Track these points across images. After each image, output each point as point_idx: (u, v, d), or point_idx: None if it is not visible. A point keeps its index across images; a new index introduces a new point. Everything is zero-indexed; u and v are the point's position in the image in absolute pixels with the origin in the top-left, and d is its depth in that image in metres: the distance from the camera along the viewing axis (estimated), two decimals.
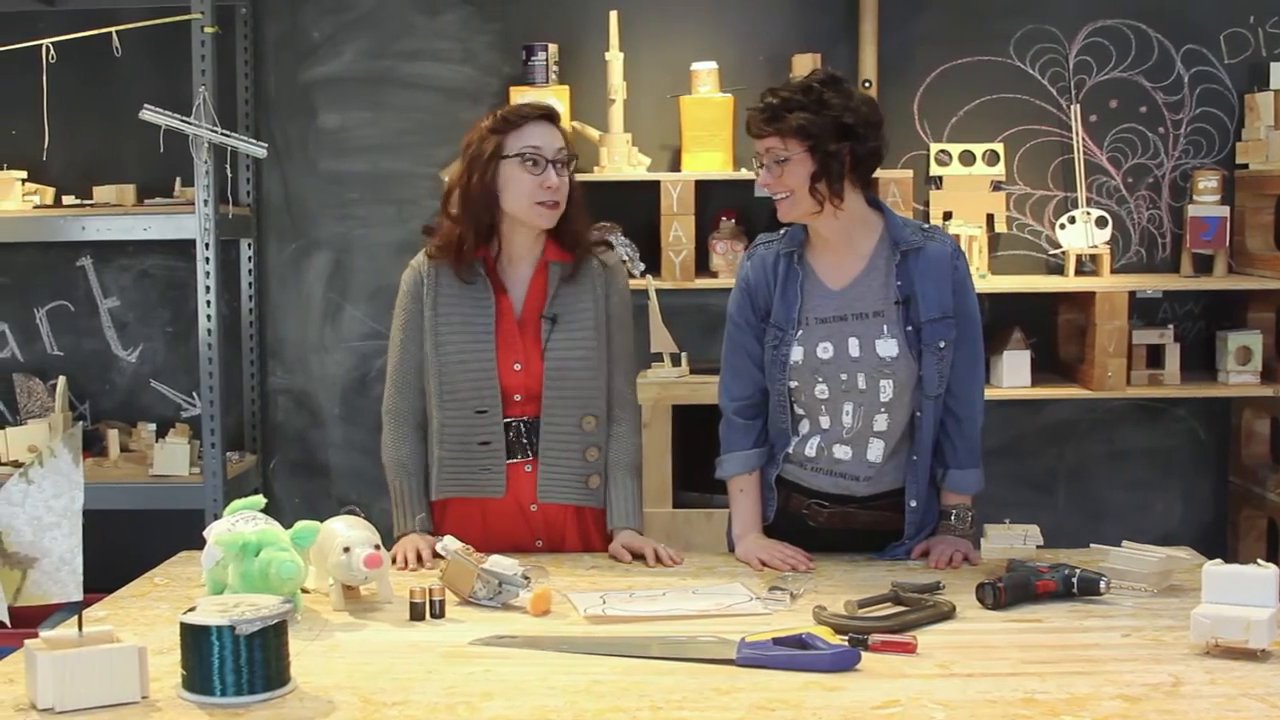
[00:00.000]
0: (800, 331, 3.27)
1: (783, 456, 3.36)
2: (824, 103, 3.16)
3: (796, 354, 3.27)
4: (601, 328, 3.40)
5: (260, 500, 3.01)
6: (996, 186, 5.26)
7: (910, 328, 3.24)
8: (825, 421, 3.30)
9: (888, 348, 3.23)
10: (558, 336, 3.36)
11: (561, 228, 3.37)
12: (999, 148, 5.27)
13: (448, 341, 3.36)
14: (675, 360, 4.90)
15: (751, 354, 3.37)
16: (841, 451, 3.30)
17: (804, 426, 3.33)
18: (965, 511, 3.33)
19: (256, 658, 2.32)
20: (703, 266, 5.12)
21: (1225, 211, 5.10)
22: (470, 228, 3.33)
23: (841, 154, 3.16)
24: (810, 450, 3.32)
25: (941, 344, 3.25)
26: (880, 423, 3.27)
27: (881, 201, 3.35)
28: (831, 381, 3.26)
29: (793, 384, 3.30)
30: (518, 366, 3.35)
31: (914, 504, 3.32)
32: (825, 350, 3.25)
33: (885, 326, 3.25)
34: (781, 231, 3.38)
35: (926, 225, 3.39)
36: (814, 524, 3.36)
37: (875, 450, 3.29)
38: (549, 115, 3.37)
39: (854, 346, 3.24)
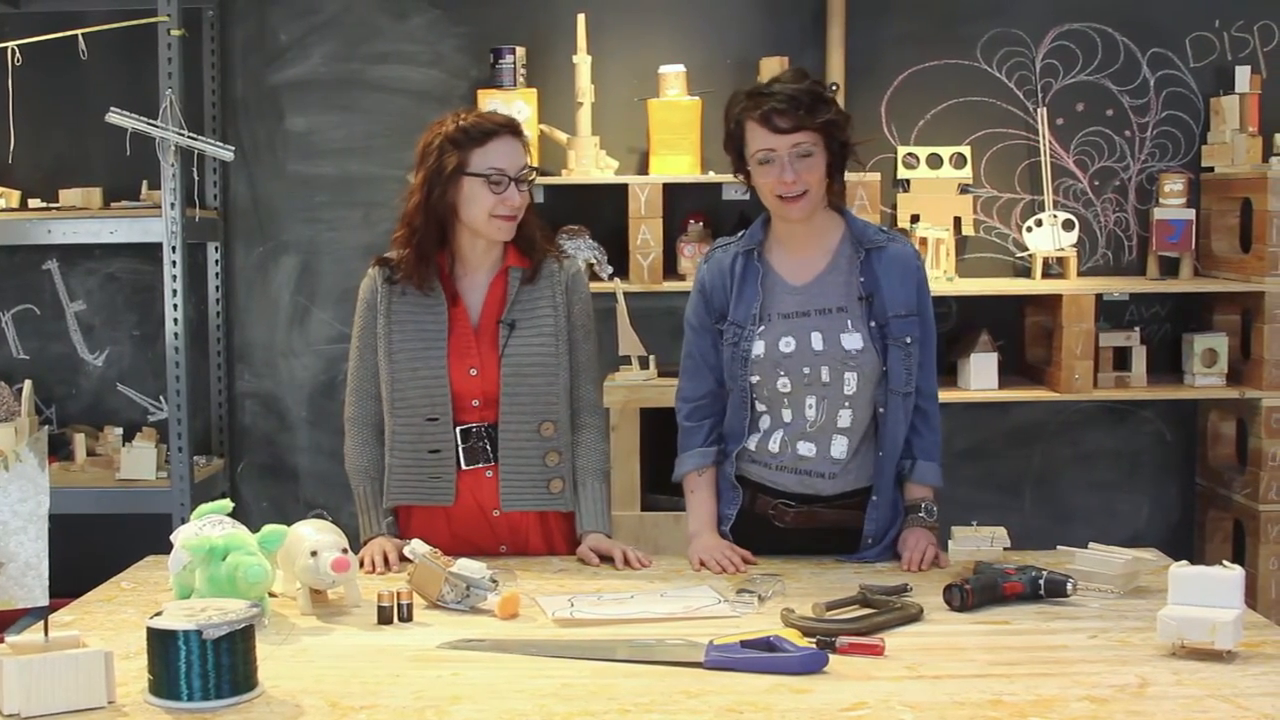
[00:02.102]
0: (762, 327, 3.28)
1: (738, 454, 3.37)
2: (830, 98, 3.25)
3: (758, 348, 3.28)
4: (563, 335, 3.39)
5: (227, 504, 3.00)
6: (964, 189, 5.28)
7: (873, 323, 3.26)
8: (787, 415, 3.31)
9: (853, 341, 3.25)
10: (515, 342, 3.34)
11: (518, 233, 3.36)
12: (966, 151, 5.29)
13: (400, 349, 3.35)
14: (643, 363, 4.89)
15: (705, 357, 3.39)
16: (806, 449, 3.30)
17: (764, 422, 3.34)
18: (931, 505, 3.34)
19: (223, 662, 2.31)
20: (670, 269, 5.12)
21: (1191, 214, 5.13)
22: (430, 237, 3.32)
23: (848, 149, 3.26)
24: (774, 445, 3.32)
25: (908, 339, 3.27)
26: (844, 418, 3.28)
27: (841, 204, 3.38)
28: (794, 375, 3.26)
29: (754, 379, 3.30)
30: (474, 371, 3.33)
31: (876, 499, 3.32)
32: (787, 344, 3.26)
33: (849, 321, 3.26)
34: (739, 234, 3.40)
35: (886, 229, 3.42)
36: (780, 524, 3.36)
37: (839, 447, 3.29)
38: (515, 129, 3.34)
39: (817, 340, 3.25)
